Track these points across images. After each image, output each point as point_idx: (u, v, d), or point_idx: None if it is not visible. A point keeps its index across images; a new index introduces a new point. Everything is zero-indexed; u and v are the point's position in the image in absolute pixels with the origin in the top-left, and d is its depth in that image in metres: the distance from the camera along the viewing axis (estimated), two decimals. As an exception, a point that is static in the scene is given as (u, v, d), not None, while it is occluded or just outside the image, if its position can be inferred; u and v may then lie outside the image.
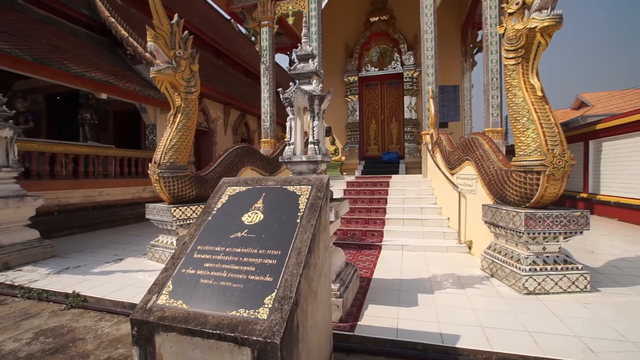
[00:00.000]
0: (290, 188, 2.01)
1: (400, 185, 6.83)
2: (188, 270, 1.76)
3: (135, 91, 8.28)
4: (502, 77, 6.59)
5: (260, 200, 1.99)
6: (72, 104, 10.13)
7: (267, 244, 1.75)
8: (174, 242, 4.64)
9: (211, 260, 1.78)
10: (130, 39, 8.96)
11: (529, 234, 3.26)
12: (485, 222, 3.89)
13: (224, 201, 2.10)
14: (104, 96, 8.08)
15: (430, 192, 6.40)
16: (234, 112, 12.99)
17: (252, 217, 1.92)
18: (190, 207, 4.56)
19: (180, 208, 4.46)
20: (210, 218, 2.05)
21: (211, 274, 1.70)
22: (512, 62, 3.43)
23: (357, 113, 10.54)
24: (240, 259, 1.73)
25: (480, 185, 4.33)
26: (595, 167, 8.54)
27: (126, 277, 3.96)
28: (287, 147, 2.64)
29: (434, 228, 5.39)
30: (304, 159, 2.58)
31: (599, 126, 8.33)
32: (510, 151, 3.85)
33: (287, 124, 2.61)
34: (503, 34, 3.54)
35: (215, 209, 2.09)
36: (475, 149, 4.46)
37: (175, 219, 4.43)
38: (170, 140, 4.38)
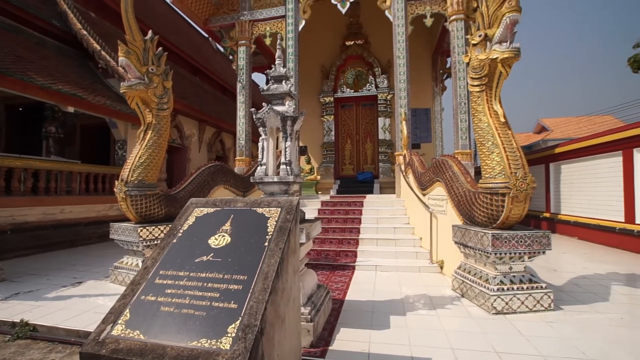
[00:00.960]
0: (260, 210, 1.97)
1: (374, 205, 6.91)
2: (148, 297, 1.66)
3: (106, 105, 8.02)
4: (469, 102, 6.94)
5: (228, 223, 1.94)
6: (36, 116, 9.65)
7: (233, 268, 1.70)
8: (140, 264, 4.41)
9: (174, 286, 1.69)
10: (103, 53, 8.75)
11: (496, 254, 3.36)
12: (456, 243, 3.98)
13: (191, 223, 2.03)
14: (71, 109, 7.76)
15: (403, 212, 6.51)
16: (209, 129, 12.83)
17: (219, 240, 1.86)
18: (159, 226, 4.38)
19: (147, 228, 4.27)
20: (175, 240, 1.97)
21: (173, 300, 1.61)
22: (477, 89, 3.62)
23: (333, 133, 10.70)
24: (205, 284, 1.65)
25: (451, 206, 4.45)
26: (556, 188, 9.05)
27: (84, 303, 3.69)
28: (259, 168, 2.61)
29: (407, 248, 5.45)
30: (275, 179, 2.56)
31: (557, 150, 8.89)
32: (479, 172, 4.01)
33: (260, 144, 2.59)
34: (468, 63, 3.75)
35: (181, 231, 2.02)
36: (445, 170, 4.62)
37: (141, 239, 4.23)
38: (140, 157, 4.24)
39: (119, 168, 8.45)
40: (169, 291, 1.66)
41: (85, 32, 8.96)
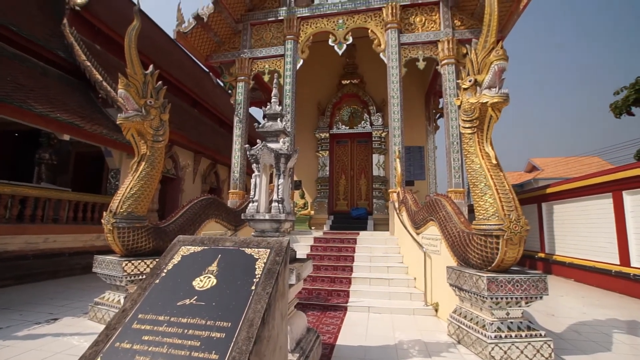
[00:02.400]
0: (248, 251, 1.91)
1: (367, 242, 6.80)
2: (123, 344, 1.55)
3: (102, 134, 8.05)
4: (461, 142, 7.10)
5: (215, 263, 1.86)
6: (31, 142, 9.63)
7: (217, 313, 1.60)
8: (122, 300, 4.20)
9: (152, 332, 1.58)
10: (104, 83, 8.94)
11: (492, 298, 3.26)
12: (450, 285, 3.88)
13: (176, 262, 1.95)
14: (66, 137, 7.77)
15: (397, 250, 6.40)
16: (204, 161, 12.87)
17: (204, 281, 1.77)
18: (145, 260, 4.22)
19: (132, 262, 4.11)
20: (157, 281, 1.87)
21: (149, 349, 1.50)
22: (469, 131, 3.70)
23: (328, 168, 10.78)
24: (185, 331, 1.55)
25: (445, 246, 4.39)
26: (549, 228, 9.04)
27: (58, 343, 3.45)
28: (250, 204, 2.57)
29: (401, 288, 5.29)
30: (267, 217, 2.51)
31: (548, 190, 8.99)
32: (472, 210, 4.00)
33: (252, 180, 2.57)
34: (460, 106, 3.86)
35: (165, 270, 1.93)
36: (438, 210, 4.60)
37: (125, 274, 4.06)
38: (131, 188, 4.18)
39: (110, 197, 8.32)
40: (146, 338, 1.55)
41: (89, 64, 9.19)
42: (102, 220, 4.15)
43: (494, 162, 3.52)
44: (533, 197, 9.79)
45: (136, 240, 4.17)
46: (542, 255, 9.08)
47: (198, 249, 2.00)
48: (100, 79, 8.99)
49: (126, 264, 4.04)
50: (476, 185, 3.55)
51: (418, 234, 5.46)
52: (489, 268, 3.46)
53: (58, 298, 5.34)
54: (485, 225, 3.41)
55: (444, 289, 4.25)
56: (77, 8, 9.86)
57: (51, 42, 9.29)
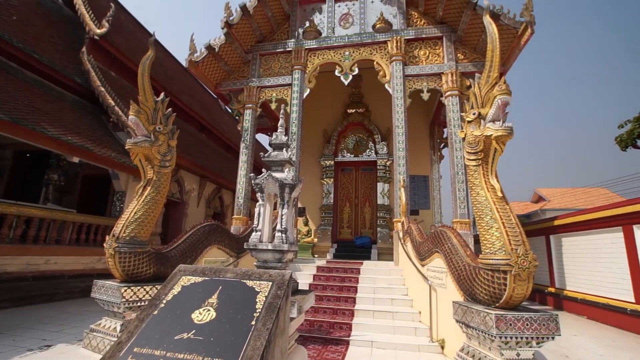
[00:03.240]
0: (250, 283, 1.87)
1: (371, 272, 6.66)
2: (116, 380, 1.49)
3: (111, 157, 8.19)
4: (466, 172, 7.09)
5: (215, 295, 1.82)
6: (41, 163, 9.82)
7: (215, 349, 1.54)
8: (118, 328, 4.09)
9: (146, 368, 1.53)
10: (116, 108, 9.20)
11: (501, 337, 3.12)
12: (457, 321, 3.73)
13: (176, 293, 1.91)
14: (76, 160, 7.91)
15: (402, 282, 6.24)
16: (209, 185, 12.95)
17: (203, 314, 1.72)
18: (144, 287, 4.15)
19: (132, 288, 4.04)
20: (156, 312, 1.83)
21: (143, 387, 1.44)
22: (474, 163, 3.70)
23: (332, 196, 10.76)
24: (181, 368, 1.49)
25: (450, 279, 4.27)
26: (559, 262, 8.80)
27: (48, 372, 3.34)
28: (253, 233, 2.55)
29: (405, 322, 5.11)
30: (269, 247, 2.48)
31: (556, 222, 8.83)
32: (478, 241, 3.92)
33: (256, 209, 2.57)
34: (464, 138, 3.89)
35: (165, 301, 1.89)
36: (444, 241, 4.52)
37: (124, 300, 3.98)
38: (135, 212, 4.18)
39: (115, 220, 8.36)
40: (140, 374, 1.50)
41: (102, 89, 9.51)
42: (105, 244, 4.13)
43: (500, 194, 3.49)
44: (541, 229, 9.61)
45: (137, 266, 4.13)
46: (552, 290, 8.78)
47: (199, 279, 1.96)
48: (113, 103, 9.27)
49: (125, 290, 3.97)
50: (482, 218, 3.50)
51: (423, 265, 5.34)
52: (497, 305, 3.34)
53: (53, 323, 5.22)
54: (492, 259, 3.33)
55: (451, 325, 4.09)
56: (96, 37, 10.34)
57: (69, 69, 9.68)
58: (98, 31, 10.29)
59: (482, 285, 3.46)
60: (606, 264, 7.02)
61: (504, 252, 3.26)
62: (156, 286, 4.19)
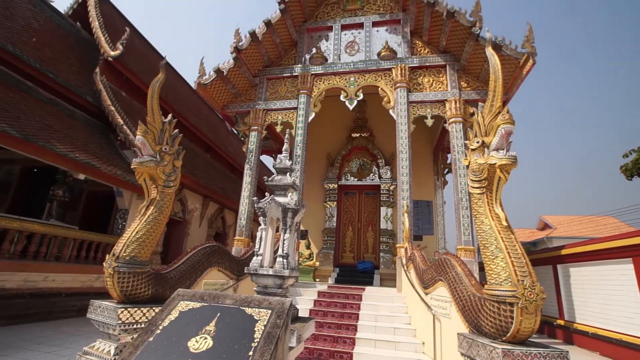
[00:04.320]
0: (249, 310, 1.83)
1: (373, 299, 6.50)
2: (105, 411, 1.43)
3: (116, 175, 8.27)
4: (470, 199, 7.04)
5: (213, 323, 1.77)
6: (47, 178, 9.93)
7: (210, 382, 1.49)
8: (112, 351, 3.97)
9: (138, 399, 1.47)
10: (124, 127, 9.38)
11: (508, 374, 2.99)
12: (462, 354, 3.59)
13: (173, 319, 1.87)
14: (81, 177, 8.00)
15: (405, 310, 6.07)
16: (212, 205, 12.96)
17: (200, 343, 1.68)
18: (141, 308, 4.06)
19: (129, 309, 3.95)
20: (151, 339, 1.78)
21: (133, 420, 1.38)
22: (478, 191, 3.68)
23: (335, 219, 10.70)
24: (174, 401, 1.43)
25: (455, 309, 4.15)
26: (567, 293, 8.54)
27: (37, 397, 3.22)
28: (254, 258, 2.52)
29: (408, 354, 4.92)
30: (270, 272, 2.44)
31: (563, 251, 8.64)
32: (483, 268, 3.83)
33: (258, 233, 2.55)
34: (468, 166, 3.89)
35: (161, 327, 1.84)
36: (448, 270, 4.43)
37: (120, 322, 3.88)
38: (137, 232, 4.16)
39: (116, 237, 8.34)
40: (131, 406, 1.44)
41: (112, 108, 9.75)
42: (104, 263, 4.09)
43: (505, 223, 3.44)
44: (548, 257, 9.41)
45: (135, 287, 4.06)
46: (561, 322, 8.48)
47: (197, 305, 1.92)
48: (122, 122, 9.46)
49: (122, 312, 3.88)
50: (487, 247, 3.44)
51: (427, 294, 5.21)
52: (503, 338, 3.22)
53: (46, 343, 5.10)
54: (497, 290, 3.24)
55: (456, 358, 3.93)
56: (110, 59, 10.71)
57: (82, 88, 9.98)
58: (112, 53, 10.67)
59: (488, 317, 3.35)
60: (617, 296, 6.79)
61: (509, 283, 3.17)
62: (153, 308, 4.10)
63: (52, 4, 11.51)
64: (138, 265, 4.09)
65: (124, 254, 4.05)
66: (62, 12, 12.06)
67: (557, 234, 24.87)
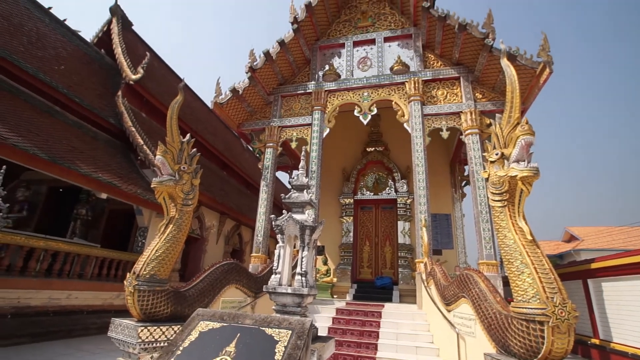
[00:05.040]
0: (269, 331, 1.80)
1: (393, 316, 6.32)
2: None
3: (136, 194, 8.49)
4: (490, 211, 6.83)
5: (233, 344, 1.75)
6: (71, 198, 10.27)
7: (231, 406, 1.46)
8: (131, 370, 3.98)
9: (159, 423, 1.45)
10: (144, 147, 9.68)
11: (541, 399, 2.81)
12: (490, 377, 3.41)
13: (193, 339, 1.86)
14: (104, 196, 8.24)
15: (426, 327, 5.86)
16: (229, 222, 13.07)
17: (220, 364, 1.65)
18: (161, 327, 4.07)
19: (148, 328, 3.97)
20: (172, 360, 1.77)
21: None
22: (499, 204, 3.57)
23: (352, 234, 10.58)
24: None
25: (480, 328, 3.97)
26: (601, 309, 8.03)
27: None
28: (272, 276, 2.50)
29: (432, 375, 4.73)
30: (289, 290, 2.41)
31: (593, 265, 8.17)
32: (507, 283, 3.67)
33: (276, 251, 2.54)
34: (487, 179, 3.79)
35: (181, 347, 1.83)
36: (471, 286, 4.28)
37: (140, 340, 3.90)
38: (156, 250, 4.22)
39: (136, 255, 8.50)
40: None
41: (133, 129, 10.11)
42: (125, 282, 4.15)
43: (530, 237, 3.31)
44: (577, 272, 8.92)
45: (155, 305, 4.09)
46: (596, 341, 7.96)
47: (217, 325, 1.91)
48: (142, 143, 9.78)
49: (142, 330, 3.91)
50: (511, 263, 3.31)
51: (449, 311, 5.02)
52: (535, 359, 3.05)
53: (68, 362, 5.16)
54: (525, 308, 3.10)
55: (483, 381, 3.74)
56: (131, 82, 11.18)
57: (105, 111, 10.42)
58: (133, 77, 11.14)
59: (516, 336, 3.19)
60: (656, 314, 6.34)
61: (538, 301, 3.03)
62: (172, 327, 4.11)
63: (79, 33, 12.20)
64: (157, 283, 4.13)
65: (144, 272, 4.11)
66: (89, 40, 12.77)
67: (584, 246, 23.76)
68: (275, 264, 2.55)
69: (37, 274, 6.86)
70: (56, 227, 10.06)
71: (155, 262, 4.17)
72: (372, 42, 9.42)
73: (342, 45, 9.67)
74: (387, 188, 10.86)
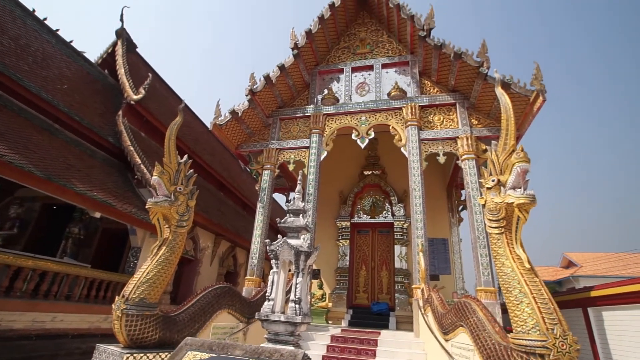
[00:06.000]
0: (259, 364, 1.72)
1: (390, 345, 6.11)
2: None
3: (131, 214, 8.39)
4: (488, 237, 6.79)
5: (221, 377, 1.67)
6: (65, 216, 10.13)
7: None
8: (114, 401, 3.78)
9: None
10: (142, 166, 9.66)
11: None
12: (490, 413, 3.27)
13: (179, 371, 1.77)
14: (97, 215, 8.14)
15: (423, 357, 5.67)
16: (224, 244, 12.89)
17: (206, 400, 1.57)
18: (148, 354, 3.91)
19: (134, 355, 3.81)
20: (155, 393, 1.68)
21: None
22: (496, 231, 3.55)
23: (348, 258, 10.42)
24: None
25: (479, 359, 3.84)
26: (602, 340, 7.84)
27: None
28: (265, 303, 2.43)
29: (430, 409, 4.52)
30: (282, 318, 2.33)
31: (593, 293, 8.05)
32: (506, 310, 3.58)
33: (270, 277, 2.48)
34: (484, 205, 3.79)
35: (166, 380, 1.74)
36: (468, 315, 4.17)
37: (124, 368, 3.73)
38: (147, 273, 4.12)
39: (127, 276, 8.29)
40: None
41: (132, 148, 10.12)
42: (113, 305, 4.02)
43: (528, 266, 3.27)
44: (577, 299, 8.78)
45: (142, 330, 3.94)
46: (597, 374, 7.72)
47: (205, 356, 1.83)
48: (139, 162, 9.77)
49: (127, 357, 3.75)
50: (510, 292, 3.25)
51: (447, 340, 4.87)
52: (536, 395, 2.93)
53: (49, 390, 4.89)
54: (525, 340, 3.01)
55: (483, 417, 3.57)
56: (132, 102, 11.32)
57: (104, 130, 10.48)
58: (134, 97, 11.29)
59: (516, 370, 3.08)
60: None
61: (538, 332, 2.95)
62: (160, 354, 3.95)
63: (84, 54, 12.47)
64: (147, 307, 4.01)
65: (134, 296, 3.99)
66: (93, 61, 13.03)
67: (583, 273, 23.52)
68: (268, 290, 2.48)
69: (23, 295, 6.63)
70: (47, 245, 9.85)
71: (145, 285, 4.06)
72: (370, 68, 9.67)
73: (341, 71, 9.91)
74: (384, 212, 10.82)
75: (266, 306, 2.44)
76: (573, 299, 8.88)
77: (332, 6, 9.27)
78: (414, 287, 6.97)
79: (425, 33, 8.16)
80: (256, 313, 2.47)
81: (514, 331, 3.19)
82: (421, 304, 6.29)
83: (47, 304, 6.99)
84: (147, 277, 4.09)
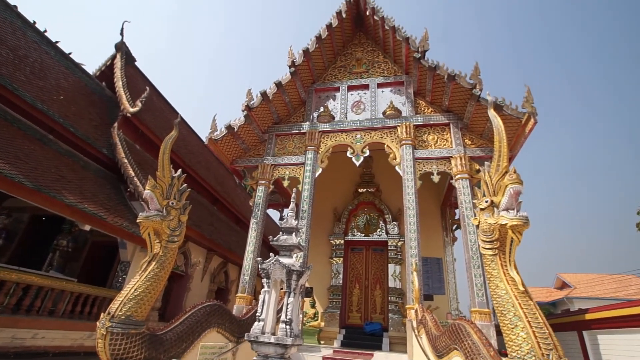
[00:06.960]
0: (246, 389, 1.65)
1: (383, 367, 5.96)
2: None
3: (121, 227, 8.24)
4: (482, 257, 6.76)
5: (206, 403, 1.60)
6: (53, 228, 9.92)
7: None
8: None
9: None
10: (135, 179, 9.57)
11: None
12: None
13: (162, 396, 1.69)
14: (87, 227, 7.98)
15: (417, 381, 5.52)
16: (216, 259, 12.67)
17: None
18: (130, 375, 3.76)
19: (116, 376, 3.66)
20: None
21: None
22: (490, 252, 3.54)
23: (341, 276, 10.28)
24: None
25: (474, 384, 3.75)
26: (598, 365, 7.76)
27: None
28: (255, 323, 2.36)
29: None
30: (272, 340, 2.26)
31: (588, 316, 8.01)
32: (500, 332, 3.52)
33: (261, 296, 2.42)
34: (477, 225, 3.79)
35: (148, 406, 1.66)
36: (463, 338, 4.09)
37: (105, 391, 3.58)
38: (135, 289, 4.01)
39: (115, 292, 8.05)
40: None
41: (125, 161, 10.05)
42: (98, 323, 3.88)
43: (522, 288, 3.25)
44: (572, 322, 8.72)
45: (127, 350, 3.80)
46: (593, 401, 7.59)
47: (190, 380, 1.75)
48: (133, 174, 9.69)
49: (109, 379, 3.60)
50: (504, 315, 3.21)
51: (441, 364, 4.76)
52: None
53: (25, 413, 4.65)
54: (520, 365, 2.95)
55: None
56: (129, 115, 11.32)
57: (99, 142, 10.43)
58: (131, 109, 11.31)
59: (511, 397, 3.01)
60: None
61: (533, 358, 2.90)
62: (144, 375, 3.79)
63: (83, 66, 12.54)
64: (133, 325, 3.88)
65: (120, 313, 3.87)
66: (92, 73, 13.10)
67: (577, 294, 23.45)
68: (259, 309, 2.42)
69: (4, 310, 6.39)
70: (33, 258, 9.59)
71: (133, 302, 3.94)
72: (366, 87, 9.83)
73: (337, 89, 10.06)
74: (378, 229, 10.77)
75: (256, 327, 2.37)
76: (568, 321, 8.82)
77: (329, 26, 9.49)
78: (408, 307, 6.86)
79: (419, 55, 8.36)
80: (246, 334, 2.40)
81: (509, 356, 3.14)
82: (415, 325, 6.18)
83: (29, 319, 6.74)
84: (135, 294, 3.98)
